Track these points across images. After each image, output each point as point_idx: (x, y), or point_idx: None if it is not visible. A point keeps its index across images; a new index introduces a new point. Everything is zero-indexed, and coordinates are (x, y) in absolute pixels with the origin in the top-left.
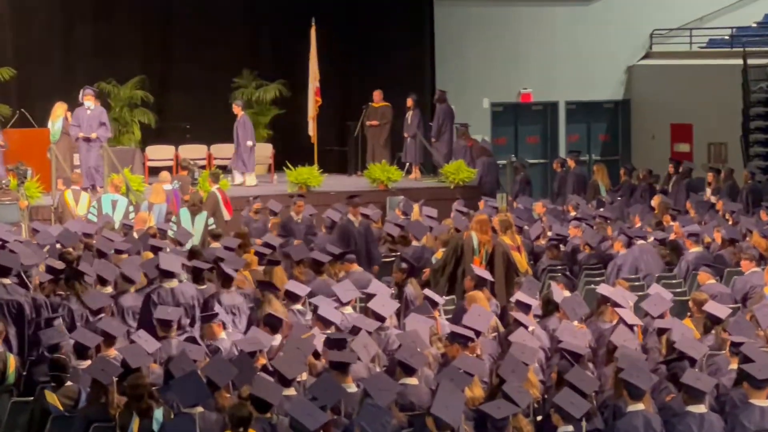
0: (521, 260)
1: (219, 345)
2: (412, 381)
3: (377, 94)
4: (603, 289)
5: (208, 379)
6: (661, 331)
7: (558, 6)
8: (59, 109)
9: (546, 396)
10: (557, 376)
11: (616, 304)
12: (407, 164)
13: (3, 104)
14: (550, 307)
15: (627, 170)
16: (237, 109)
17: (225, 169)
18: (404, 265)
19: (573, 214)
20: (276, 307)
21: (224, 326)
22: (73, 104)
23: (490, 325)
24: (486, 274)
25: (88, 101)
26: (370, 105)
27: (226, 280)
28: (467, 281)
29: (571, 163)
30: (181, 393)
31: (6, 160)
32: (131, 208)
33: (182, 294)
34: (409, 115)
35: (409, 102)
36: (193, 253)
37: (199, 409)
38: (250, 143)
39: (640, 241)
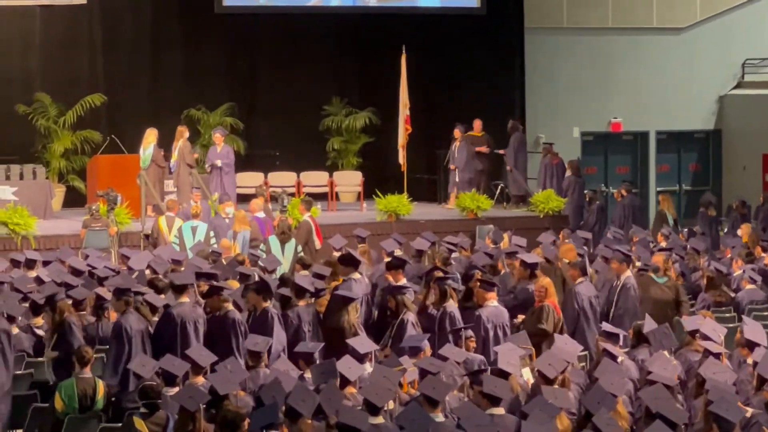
0: None
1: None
2: (498, 411)
3: (477, 124)
4: (692, 321)
5: (291, 407)
6: (755, 364)
7: (649, 35)
8: (150, 136)
9: (635, 428)
10: (647, 408)
11: (705, 337)
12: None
13: (94, 130)
14: (639, 338)
15: (705, 203)
16: (218, 138)
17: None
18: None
19: (663, 244)
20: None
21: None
22: (164, 130)
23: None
24: None
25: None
26: (470, 134)
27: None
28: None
29: (623, 192)
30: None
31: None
32: (212, 233)
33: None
34: (455, 146)
35: (456, 133)
36: (283, 281)
37: None
38: (218, 162)
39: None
